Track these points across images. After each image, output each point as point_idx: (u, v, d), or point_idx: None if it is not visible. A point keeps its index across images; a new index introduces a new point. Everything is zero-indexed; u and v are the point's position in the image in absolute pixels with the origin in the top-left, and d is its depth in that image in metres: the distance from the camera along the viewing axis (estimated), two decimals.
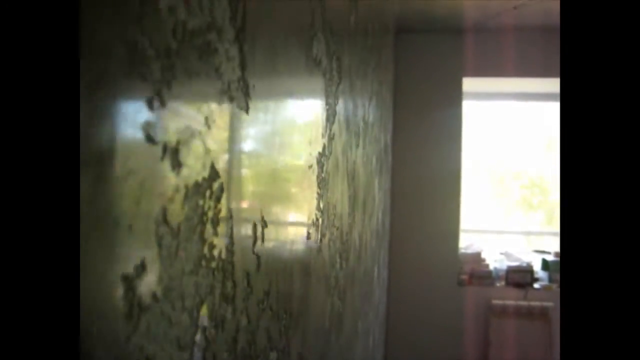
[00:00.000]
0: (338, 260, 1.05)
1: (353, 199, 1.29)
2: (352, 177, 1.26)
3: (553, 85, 4.01)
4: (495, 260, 4.11)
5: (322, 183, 0.82)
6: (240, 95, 0.43)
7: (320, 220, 0.81)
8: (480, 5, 3.48)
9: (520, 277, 3.91)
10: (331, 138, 0.91)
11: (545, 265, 3.97)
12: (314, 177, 0.76)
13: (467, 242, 4.22)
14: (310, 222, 0.74)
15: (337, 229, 1.01)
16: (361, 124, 1.46)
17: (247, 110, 0.44)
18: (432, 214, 3.92)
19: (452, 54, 3.85)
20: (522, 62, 3.82)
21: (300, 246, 0.69)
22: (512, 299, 3.85)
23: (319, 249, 0.81)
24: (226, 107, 0.41)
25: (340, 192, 1.04)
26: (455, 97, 3.92)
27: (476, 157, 4.87)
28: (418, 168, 3.93)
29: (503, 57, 3.81)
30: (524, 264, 3.96)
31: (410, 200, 3.92)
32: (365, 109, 1.56)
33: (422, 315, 3.86)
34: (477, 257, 4.00)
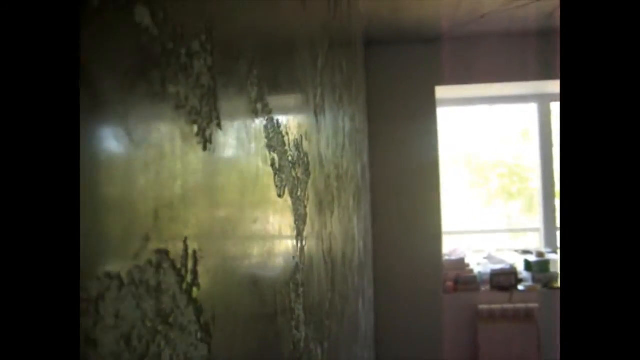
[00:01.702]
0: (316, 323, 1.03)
1: (331, 273, 1.27)
2: (327, 252, 1.24)
3: (524, 88, 4.04)
4: (479, 264, 4.14)
5: (295, 286, 0.80)
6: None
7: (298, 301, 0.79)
8: (448, 15, 3.47)
9: (504, 280, 3.94)
10: (303, 246, 0.88)
11: (529, 266, 4.02)
12: (291, 283, 0.74)
13: (450, 248, 4.24)
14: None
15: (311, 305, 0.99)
16: (335, 184, 1.44)
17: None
18: (413, 223, 3.93)
19: (423, 63, 3.85)
20: (493, 68, 3.83)
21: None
22: (497, 303, 3.89)
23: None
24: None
25: (318, 274, 1.02)
26: (429, 106, 3.92)
27: (454, 153, 4.89)
28: (396, 178, 3.93)
29: (473, 64, 3.82)
30: (507, 267, 4.00)
31: (391, 212, 3.92)
32: (338, 167, 1.54)
33: (410, 327, 3.88)
34: (461, 263, 4.03)
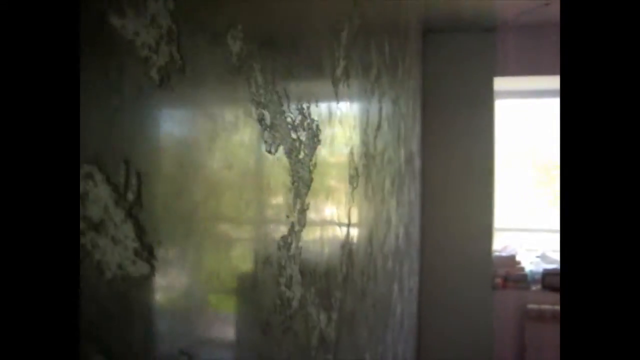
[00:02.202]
0: (329, 318, 1.06)
1: (348, 246, 1.28)
2: (347, 223, 1.25)
3: None
4: (531, 263, 4.01)
5: (289, 261, 0.82)
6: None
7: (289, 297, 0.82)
8: (509, 4, 3.37)
9: (557, 280, 3.80)
10: (304, 209, 0.91)
11: None
12: (274, 270, 0.77)
13: (501, 244, 4.13)
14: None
15: (321, 297, 1.01)
16: (361, 161, 1.45)
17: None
18: (464, 217, 3.85)
19: (482, 53, 3.75)
20: (556, 59, 3.68)
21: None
22: (548, 304, 3.75)
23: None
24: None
25: (324, 259, 1.04)
26: (486, 97, 3.82)
27: (515, 148, 4.73)
28: (449, 169, 3.86)
29: (535, 54, 3.68)
30: None
31: (442, 202, 3.87)
32: (367, 145, 1.54)
33: (455, 321, 3.82)
34: (511, 260, 3.92)
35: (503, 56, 3.72)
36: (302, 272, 0.89)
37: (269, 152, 0.73)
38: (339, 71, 1.15)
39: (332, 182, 1.12)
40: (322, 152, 1.02)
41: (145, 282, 0.45)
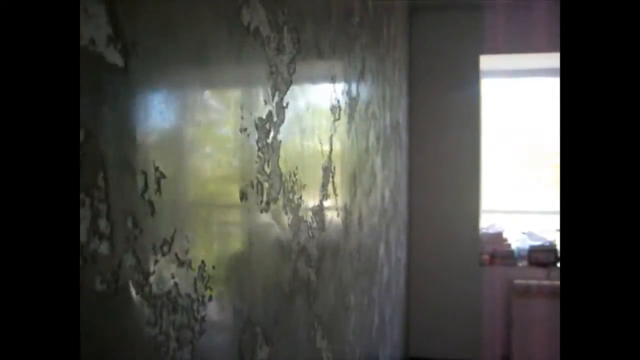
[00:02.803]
0: (304, 228, 1.08)
1: (330, 172, 1.31)
2: (328, 149, 1.28)
3: None
4: (518, 240, 4.06)
5: (267, 148, 0.85)
6: (113, 52, 0.47)
7: (265, 185, 0.85)
8: None
9: (543, 256, 3.85)
10: (283, 106, 0.93)
11: None
12: (252, 141, 0.80)
13: (489, 223, 4.18)
14: (245, 184, 0.77)
15: (300, 198, 1.04)
16: (344, 98, 1.48)
17: (125, 68, 0.48)
18: (452, 194, 3.90)
19: (467, 31, 3.80)
20: (542, 37, 3.73)
21: (227, 205, 0.73)
22: (535, 279, 3.80)
23: (264, 211, 0.85)
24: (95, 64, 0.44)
25: (302, 162, 1.07)
26: (472, 75, 3.87)
27: (502, 137, 4.77)
28: (436, 147, 3.90)
29: (521, 32, 3.73)
30: (547, 243, 3.90)
31: (430, 180, 3.91)
32: (350, 85, 1.58)
33: (444, 296, 3.86)
34: (498, 237, 3.97)
35: (490, 34, 3.77)
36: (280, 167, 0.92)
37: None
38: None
39: (312, 98, 1.15)
40: (303, 67, 1.05)
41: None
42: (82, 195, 0.42)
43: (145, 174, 0.52)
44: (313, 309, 1.17)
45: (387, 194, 2.51)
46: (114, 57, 0.47)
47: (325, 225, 1.27)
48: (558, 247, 3.92)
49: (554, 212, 5.41)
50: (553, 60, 3.92)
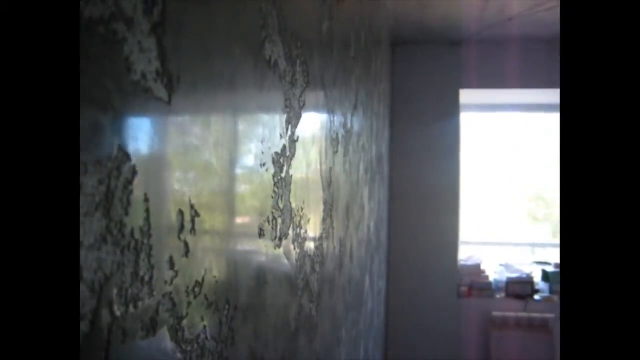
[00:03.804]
0: (307, 263, 1.06)
1: (330, 205, 1.30)
2: (328, 182, 1.27)
3: (554, 96, 4.02)
4: (495, 272, 4.09)
5: (281, 183, 0.84)
6: (159, 87, 0.45)
7: (278, 220, 0.83)
8: (475, 17, 3.51)
9: (520, 288, 3.88)
10: (294, 140, 0.92)
11: (546, 276, 3.95)
12: (269, 176, 0.78)
13: (467, 255, 4.20)
14: (263, 219, 0.75)
15: (306, 232, 1.02)
16: (341, 131, 1.48)
17: (169, 102, 0.46)
18: (431, 226, 3.92)
19: (448, 65, 3.89)
20: (521, 73, 3.83)
21: (248, 242, 0.71)
22: (512, 311, 3.82)
23: (277, 247, 0.82)
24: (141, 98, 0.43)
25: (308, 196, 1.06)
26: (452, 109, 3.94)
27: (480, 170, 4.85)
28: (416, 179, 3.93)
29: (500, 68, 3.84)
30: (524, 275, 3.94)
31: (409, 211, 3.92)
32: (347, 117, 1.58)
33: (422, 328, 3.84)
34: (476, 269, 3.99)
35: (467, 69, 3.85)
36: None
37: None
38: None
39: (317, 132, 1.15)
40: (310, 101, 1.05)
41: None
42: (126, 237, 0.40)
43: (182, 212, 0.50)
44: (313, 346, 1.14)
45: (372, 225, 2.51)
46: (161, 92, 0.46)
47: (324, 258, 1.25)
48: (534, 280, 3.96)
49: (529, 244, 5.48)
50: (527, 96, 4.03)
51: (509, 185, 5.68)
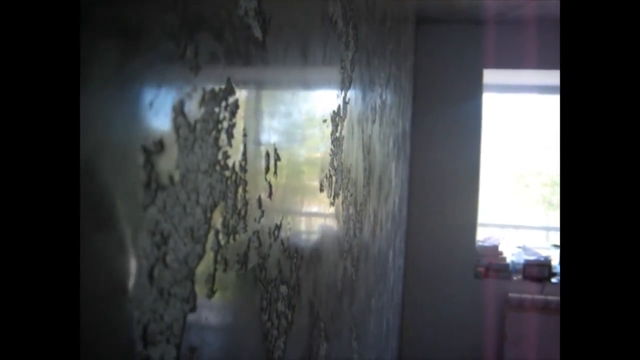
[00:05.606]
0: (352, 227, 1.07)
1: (368, 172, 1.31)
2: (367, 150, 1.28)
3: None
4: (513, 254, 4.08)
5: (336, 142, 0.84)
6: (255, 25, 0.45)
7: (333, 178, 0.83)
8: None
9: (537, 271, 3.88)
10: (346, 102, 0.93)
11: None
12: (328, 133, 0.79)
13: (485, 236, 4.20)
14: (323, 175, 0.76)
15: (352, 195, 1.03)
16: (378, 101, 1.48)
17: (263, 42, 0.47)
18: (450, 206, 3.91)
19: (472, 45, 3.84)
20: (544, 54, 3.78)
21: (312, 196, 0.72)
22: (529, 293, 3.82)
23: (332, 205, 0.83)
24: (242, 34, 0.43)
25: (355, 160, 1.06)
26: (475, 89, 3.90)
27: (497, 152, 4.83)
28: (437, 159, 3.92)
29: (524, 49, 3.78)
30: (542, 258, 3.93)
31: (429, 190, 3.92)
32: (382, 88, 1.58)
33: (438, 307, 3.86)
34: (494, 250, 3.99)
35: (490, 49, 3.81)
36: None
37: None
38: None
39: (360, 99, 1.15)
40: (357, 67, 1.05)
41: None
42: (220, 169, 0.41)
43: (268, 154, 0.51)
44: (352, 309, 1.16)
45: (397, 200, 2.51)
46: (257, 31, 0.46)
47: (362, 225, 1.26)
48: (552, 263, 3.96)
49: (547, 228, 5.47)
50: (549, 77, 3.98)
51: (524, 169, 5.65)
